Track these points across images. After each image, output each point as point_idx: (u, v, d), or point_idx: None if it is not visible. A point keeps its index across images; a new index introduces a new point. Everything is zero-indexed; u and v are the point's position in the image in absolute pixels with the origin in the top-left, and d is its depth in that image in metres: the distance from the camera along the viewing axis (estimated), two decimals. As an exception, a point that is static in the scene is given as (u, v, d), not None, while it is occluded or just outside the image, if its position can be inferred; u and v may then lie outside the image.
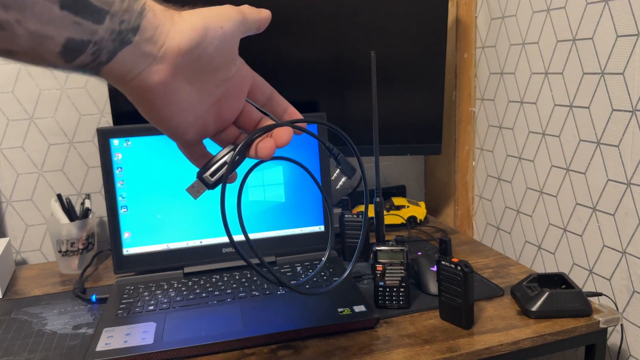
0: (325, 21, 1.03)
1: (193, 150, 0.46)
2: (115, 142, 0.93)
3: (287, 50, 1.04)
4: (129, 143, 0.93)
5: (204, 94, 0.41)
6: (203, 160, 0.46)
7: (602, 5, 0.83)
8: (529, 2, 0.99)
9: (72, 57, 0.33)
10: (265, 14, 0.45)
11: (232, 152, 0.45)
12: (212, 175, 0.44)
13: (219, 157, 0.45)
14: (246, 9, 0.43)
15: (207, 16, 0.38)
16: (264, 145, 0.44)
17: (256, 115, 0.48)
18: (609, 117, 0.84)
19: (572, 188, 0.93)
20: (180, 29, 0.36)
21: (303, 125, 0.48)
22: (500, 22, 1.08)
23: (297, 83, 1.06)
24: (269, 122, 0.48)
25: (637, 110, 0.79)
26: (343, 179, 0.55)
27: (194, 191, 0.44)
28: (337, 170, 0.51)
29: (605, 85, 0.84)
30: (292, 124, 0.47)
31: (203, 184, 0.44)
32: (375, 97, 0.89)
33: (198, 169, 0.46)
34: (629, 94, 0.80)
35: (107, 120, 1.15)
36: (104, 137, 0.92)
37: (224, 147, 0.47)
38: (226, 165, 0.45)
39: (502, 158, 1.12)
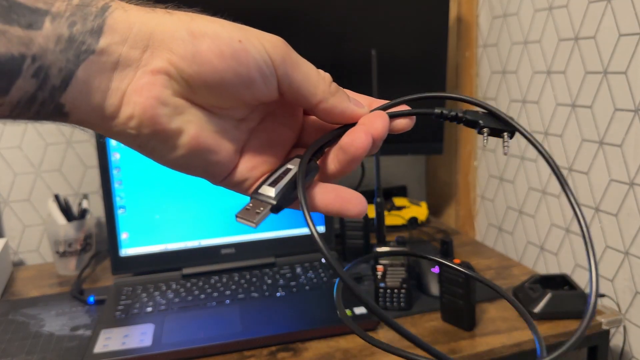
0: (325, 18, 1.03)
1: None
2: (113, 141, 0.92)
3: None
4: (127, 143, 0.92)
5: (232, 112, 0.29)
6: None
7: (604, 4, 0.82)
8: (530, 1, 0.98)
9: (2, 84, 0.23)
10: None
11: (294, 158, 0.30)
12: (272, 185, 0.29)
13: (282, 166, 0.30)
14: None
15: (216, 22, 0.26)
16: (351, 136, 0.28)
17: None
18: (612, 117, 0.83)
19: (574, 188, 0.92)
20: (172, 28, 0.25)
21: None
22: (501, 21, 1.07)
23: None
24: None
25: (641, 109, 0.78)
26: (507, 138, 0.31)
27: (249, 214, 0.28)
28: (485, 134, 0.32)
29: (608, 84, 0.83)
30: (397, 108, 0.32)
31: (261, 200, 0.28)
32: (375, 95, 0.88)
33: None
34: (631, 94, 0.79)
35: (105, 120, 1.14)
36: (101, 136, 0.92)
37: None
38: (293, 169, 0.29)
39: (504, 158, 1.11)
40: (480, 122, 0.32)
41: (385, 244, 0.81)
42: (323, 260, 0.97)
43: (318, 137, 0.32)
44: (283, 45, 0.27)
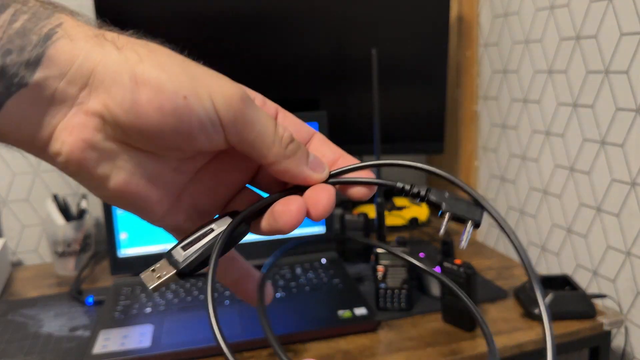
0: (325, 17, 1.02)
1: None
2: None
3: (287, 47, 1.02)
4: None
5: (169, 163, 0.27)
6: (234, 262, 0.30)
7: (605, 3, 0.82)
8: (531, 0, 0.98)
9: None
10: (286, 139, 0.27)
11: (225, 217, 0.28)
12: (186, 247, 0.27)
13: (208, 224, 0.28)
14: (258, 100, 0.27)
15: (166, 67, 0.23)
16: (285, 208, 0.26)
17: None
18: (613, 117, 0.82)
19: (575, 188, 0.92)
20: (115, 69, 0.23)
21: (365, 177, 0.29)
22: (502, 20, 1.07)
23: (297, 81, 1.05)
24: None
25: (643, 109, 0.78)
26: (469, 229, 0.27)
27: (150, 278, 0.27)
28: (445, 220, 0.28)
29: (609, 84, 0.83)
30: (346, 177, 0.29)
31: (170, 263, 0.27)
32: (376, 95, 0.87)
33: None
34: (633, 93, 0.79)
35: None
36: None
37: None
38: (216, 231, 0.27)
39: (505, 158, 1.11)
40: (443, 205, 0.28)
41: (385, 244, 0.81)
42: (323, 260, 0.96)
43: (273, 182, 0.29)
44: (238, 102, 0.24)
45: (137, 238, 0.93)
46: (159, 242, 0.94)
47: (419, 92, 1.09)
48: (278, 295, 0.84)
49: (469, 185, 0.28)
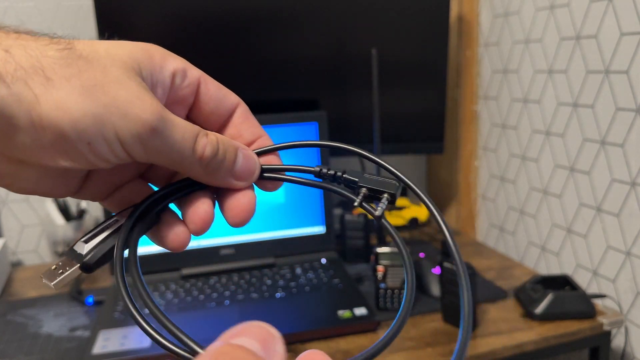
0: (325, 17, 1.02)
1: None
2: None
3: (286, 47, 1.02)
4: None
5: None
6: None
7: (605, 3, 0.82)
8: None
9: None
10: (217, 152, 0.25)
11: (131, 208, 0.28)
12: (88, 240, 0.26)
13: (110, 218, 0.27)
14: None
15: (67, 107, 0.21)
16: (174, 234, 0.27)
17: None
18: (613, 116, 0.82)
19: (575, 188, 0.92)
20: (9, 113, 0.20)
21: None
22: (503, 20, 1.07)
23: (297, 81, 1.05)
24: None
25: (643, 109, 0.78)
26: (384, 201, 0.27)
27: (51, 275, 0.25)
28: (361, 195, 0.27)
29: (610, 84, 0.83)
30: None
31: (72, 258, 0.25)
32: (376, 95, 0.87)
33: None
34: (633, 93, 0.78)
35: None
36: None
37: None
38: (113, 227, 0.27)
39: (505, 158, 1.11)
40: (359, 181, 0.28)
41: (385, 244, 0.81)
42: (323, 260, 0.96)
43: (164, 176, 0.29)
44: (149, 135, 0.23)
45: (137, 238, 0.93)
46: (159, 242, 0.94)
47: (419, 92, 1.09)
48: (278, 295, 0.84)
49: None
